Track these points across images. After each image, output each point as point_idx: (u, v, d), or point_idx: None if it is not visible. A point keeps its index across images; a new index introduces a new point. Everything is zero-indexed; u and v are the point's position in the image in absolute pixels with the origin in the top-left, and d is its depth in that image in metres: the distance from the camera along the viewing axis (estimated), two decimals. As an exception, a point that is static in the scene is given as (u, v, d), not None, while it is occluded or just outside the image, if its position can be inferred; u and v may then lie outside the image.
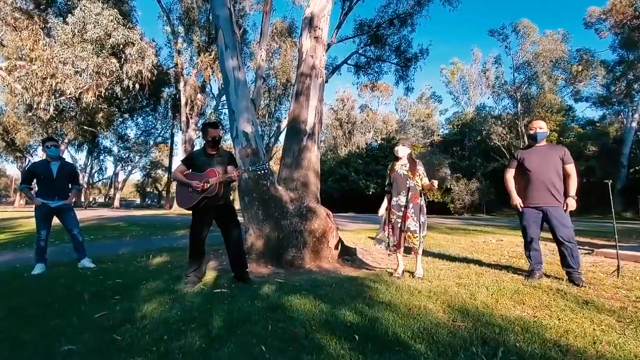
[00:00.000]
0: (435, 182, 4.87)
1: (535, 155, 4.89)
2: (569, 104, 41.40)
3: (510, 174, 5.13)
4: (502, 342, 2.71)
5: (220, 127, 4.73)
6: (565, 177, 4.74)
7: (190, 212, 4.58)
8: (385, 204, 5.19)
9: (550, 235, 4.89)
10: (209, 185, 4.34)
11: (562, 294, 4.04)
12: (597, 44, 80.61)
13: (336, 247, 5.91)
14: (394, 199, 5.00)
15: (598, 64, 37.04)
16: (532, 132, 4.97)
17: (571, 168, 4.72)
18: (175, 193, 4.83)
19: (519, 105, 38.57)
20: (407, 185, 4.96)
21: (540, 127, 4.92)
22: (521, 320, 3.16)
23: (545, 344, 2.70)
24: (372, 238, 9.09)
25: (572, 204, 4.66)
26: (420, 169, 5.05)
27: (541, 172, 4.78)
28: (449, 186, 37.78)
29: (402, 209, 4.92)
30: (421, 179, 5.02)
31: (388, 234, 5.06)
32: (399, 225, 4.91)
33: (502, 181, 5.23)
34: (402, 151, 5.15)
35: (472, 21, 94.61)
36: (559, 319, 3.24)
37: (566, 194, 4.71)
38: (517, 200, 4.96)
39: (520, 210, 4.95)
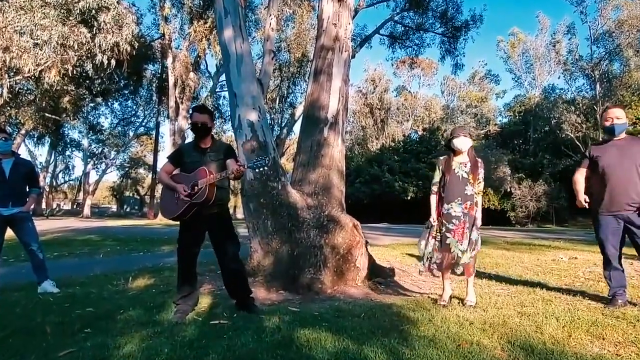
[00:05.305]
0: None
1: (612, 152, 4.81)
2: (660, 86, 40.80)
3: (580, 174, 5.11)
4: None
5: (209, 111, 4.63)
6: None
7: (178, 223, 4.57)
8: (434, 207, 5.02)
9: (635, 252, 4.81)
10: (197, 188, 4.23)
11: (652, 326, 3.98)
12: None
13: (365, 267, 5.91)
14: (445, 206, 4.87)
15: (699, 34, 36.37)
16: (607, 123, 4.87)
17: None
18: (160, 198, 4.81)
19: (598, 86, 38.08)
20: (466, 192, 4.82)
21: (618, 117, 4.81)
22: (600, 360, 3.10)
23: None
24: (411, 255, 9.05)
25: None
26: (481, 173, 4.92)
27: (619, 171, 4.70)
28: (508, 189, 37.46)
29: (455, 220, 4.80)
30: (479, 186, 4.92)
31: (433, 249, 4.98)
32: (447, 241, 4.84)
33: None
34: (464, 144, 4.89)
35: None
36: (649, 359, 3.18)
37: None
38: (582, 197, 5.00)
39: (587, 206, 4.96)
